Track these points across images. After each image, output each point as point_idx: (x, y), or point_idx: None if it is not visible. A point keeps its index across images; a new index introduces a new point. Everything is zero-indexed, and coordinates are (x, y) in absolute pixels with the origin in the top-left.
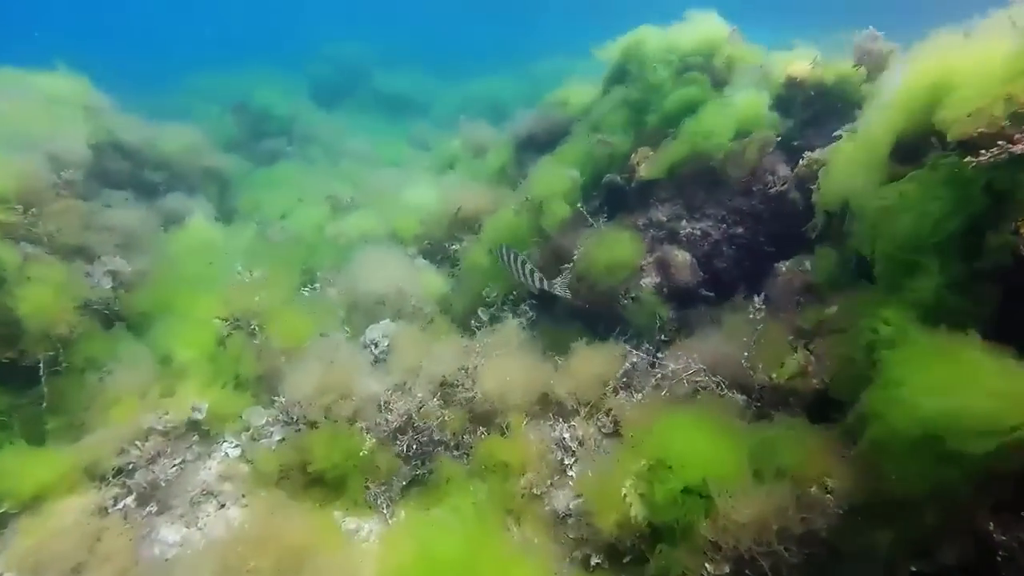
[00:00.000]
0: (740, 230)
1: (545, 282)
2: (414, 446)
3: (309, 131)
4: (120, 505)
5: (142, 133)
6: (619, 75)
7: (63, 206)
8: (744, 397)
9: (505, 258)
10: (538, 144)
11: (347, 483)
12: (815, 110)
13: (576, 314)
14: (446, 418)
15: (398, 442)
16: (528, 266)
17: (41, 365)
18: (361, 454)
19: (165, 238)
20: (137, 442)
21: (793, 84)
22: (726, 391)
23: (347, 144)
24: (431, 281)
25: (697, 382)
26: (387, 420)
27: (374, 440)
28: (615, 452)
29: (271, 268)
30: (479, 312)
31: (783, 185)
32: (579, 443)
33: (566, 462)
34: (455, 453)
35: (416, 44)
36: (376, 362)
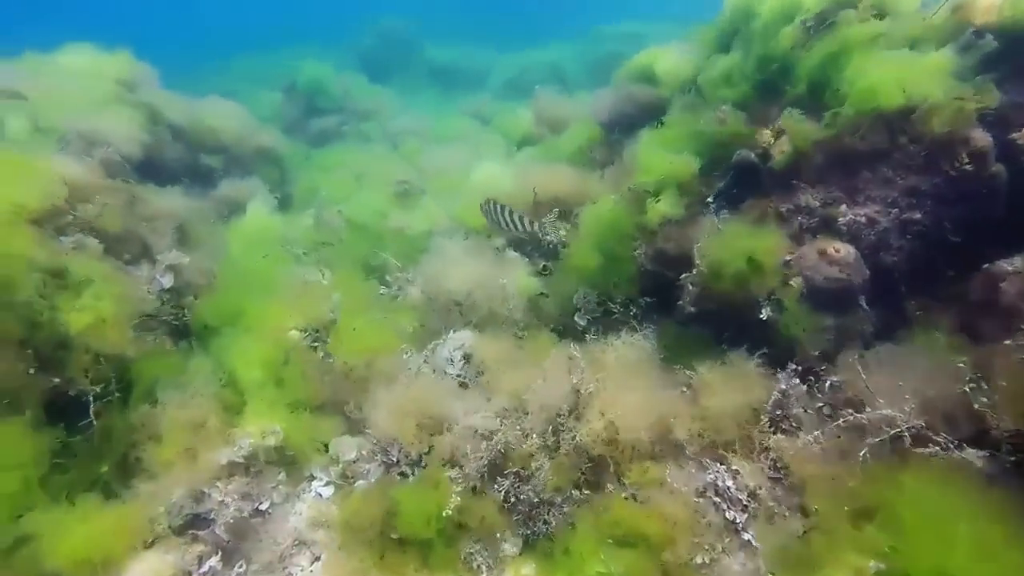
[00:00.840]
0: (917, 215)
1: (535, 224)
2: (521, 497)
3: (362, 107)
4: (205, 568)
5: (189, 111)
6: (726, 39)
7: (112, 196)
8: (980, 452)
9: (491, 213)
10: (627, 122)
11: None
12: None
13: (700, 317)
14: (560, 462)
15: (498, 488)
16: (515, 214)
17: (90, 397)
18: (447, 513)
19: (224, 230)
20: (217, 483)
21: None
22: (950, 445)
23: (402, 120)
24: (521, 278)
25: (895, 426)
26: (486, 463)
27: (469, 489)
28: (813, 532)
29: (339, 266)
30: (578, 317)
31: (981, 158)
32: (750, 494)
33: (736, 520)
34: (573, 508)
35: (465, 13)
36: (462, 381)
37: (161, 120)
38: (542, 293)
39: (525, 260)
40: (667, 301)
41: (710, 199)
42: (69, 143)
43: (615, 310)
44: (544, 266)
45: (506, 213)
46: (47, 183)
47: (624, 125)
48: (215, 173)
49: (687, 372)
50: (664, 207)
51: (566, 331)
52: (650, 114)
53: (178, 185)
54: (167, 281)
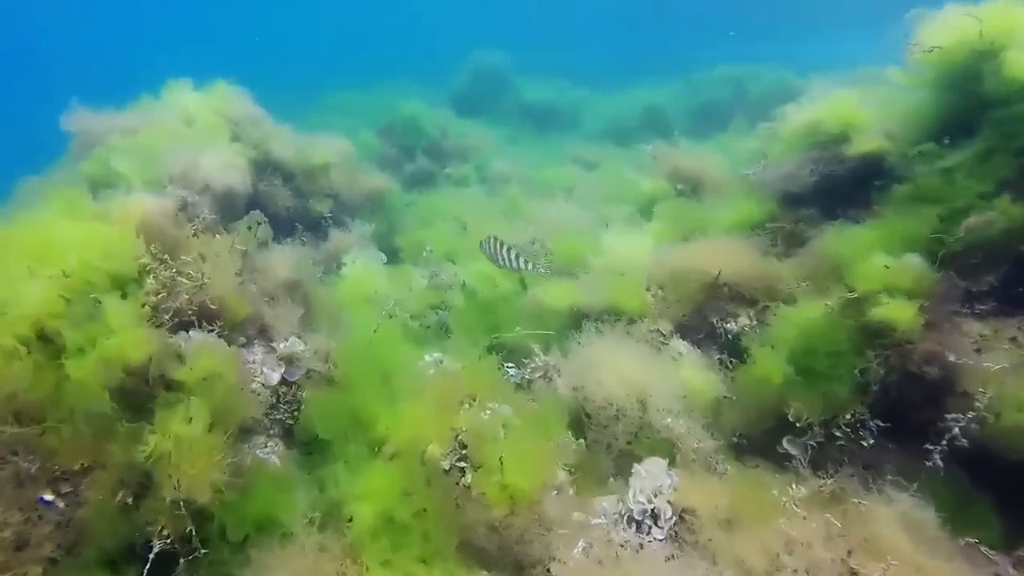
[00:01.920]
0: None
1: (530, 264)
2: None
3: (459, 148)
4: None
5: (300, 150)
6: (957, 82)
7: (223, 268)
8: None
9: (490, 248)
10: (816, 197)
11: None
12: None
13: (972, 463)
14: None
15: None
16: (512, 251)
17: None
18: None
19: (335, 292)
20: None
21: None
22: None
23: (501, 164)
24: (695, 380)
25: None
26: None
27: None
28: None
29: (459, 342)
30: (788, 443)
31: None
32: None
33: None
34: None
35: (556, 52)
36: (669, 548)
37: (271, 161)
38: (725, 396)
39: (695, 351)
40: (908, 428)
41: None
42: (175, 189)
43: (839, 436)
44: (723, 361)
45: (504, 250)
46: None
47: (811, 199)
48: (324, 221)
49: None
50: (902, 314)
51: (751, 450)
52: (846, 187)
53: (289, 237)
54: (287, 376)
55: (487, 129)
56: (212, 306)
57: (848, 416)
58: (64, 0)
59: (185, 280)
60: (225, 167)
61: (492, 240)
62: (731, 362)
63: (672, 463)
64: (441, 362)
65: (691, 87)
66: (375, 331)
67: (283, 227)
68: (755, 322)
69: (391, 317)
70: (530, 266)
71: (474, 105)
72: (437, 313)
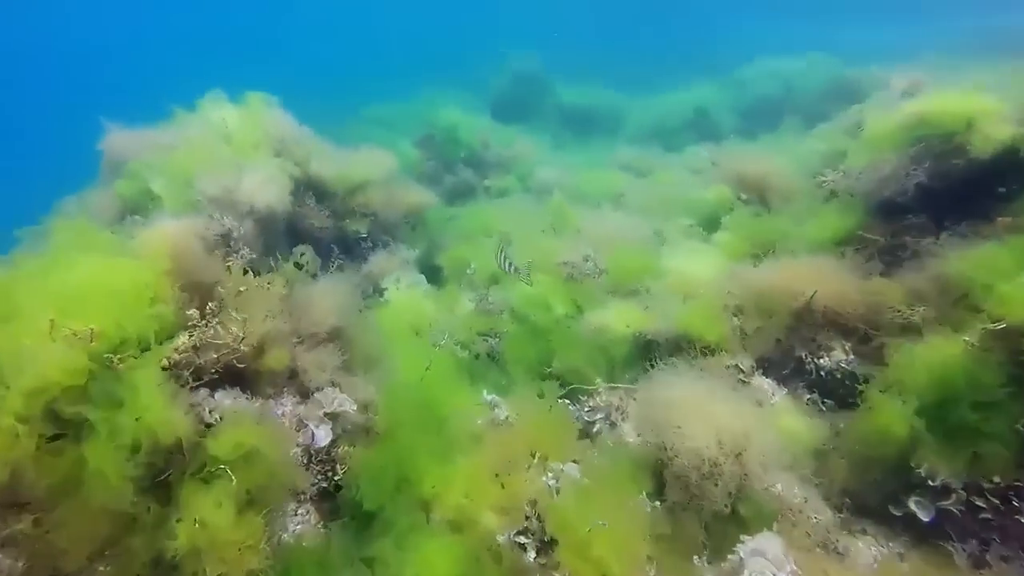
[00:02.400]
0: None
1: (515, 269)
2: None
3: (501, 157)
4: None
5: (338, 166)
6: None
7: (254, 304)
8: None
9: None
10: (911, 202)
11: None
12: None
13: None
14: None
15: None
16: (507, 258)
17: None
18: None
19: (376, 326)
20: None
21: None
22: None
23: (546, 172)
24: (796, 428)
25: None
26: None
27: None
28: None
29: (513, 378)
30: (916, 505)
31: None
32: None
33: None
34: None
35: (596, 53)
36: None
37: (311, 180)
38: (829, 447)
39: (781, 390)
40: None
41: None
42: (215, 213)
43: (984, 505)
44: (815, 402)
45: (502, 255)
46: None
47: (914, 207)
48: (362, 242)
49: None
50: None
51: (857, 510)
52: (962, 192)
53: (328, 260)
54: (324, 436)
55: (528, 136)
56: (241, 364)
57: (999, 480)
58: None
59: (226, 336)
60: (266, 184)
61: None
62: (824, 402)
63: (776, 531)
64: (496, 407)
65: (736, 85)
66: (426, 369)
67: (321, 249)
68: (852, 356)
69: (437, 348)
70: (513, 269)
71: (513, 111)
72: (487, 340)
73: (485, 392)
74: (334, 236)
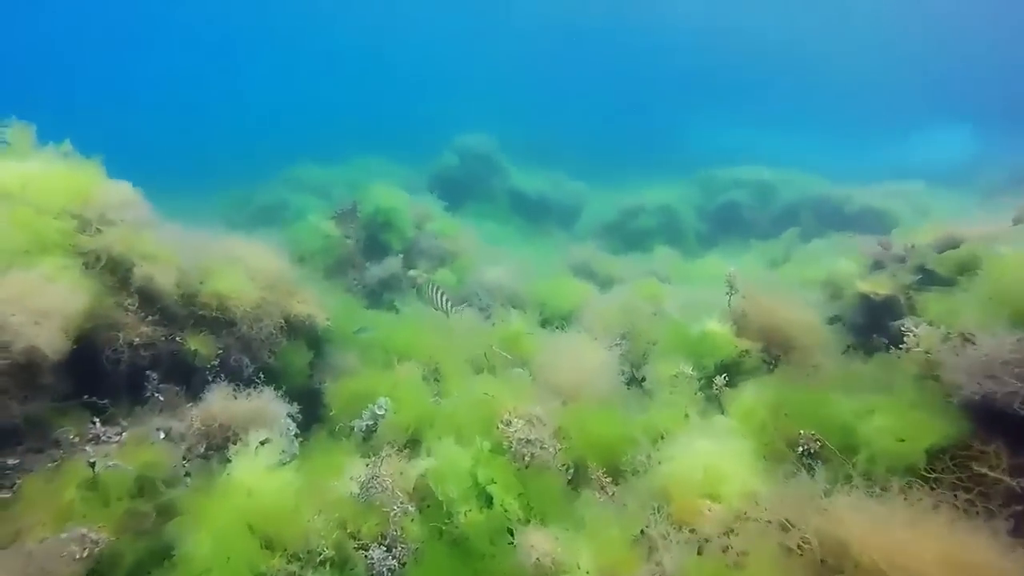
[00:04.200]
0: None
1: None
2: None
3: (438, 248)
4: None
5: (192, 260)
6: None
7: None
8: None
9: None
10: None
11: None
12: None
13: None
14: None
15: None
16: (444, 296)
17: None
18: None
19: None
20: None
21: None
22: None
23: (492, 273)
24: None
25: None
26: None
27: None
28: None
29: None
30: None
31: None
32: None
33: None
34: None
35: (553, 141)
36: None
37: (133, 284)
38: None
39: None
40: None
41: None
42: None
43: None
44: None
45: (438, 293)
46: None
47: None
48: (208, 370)
49: None
50: None
51: None
52: None
53: (140, 396)
54: None
55: (474, 220)
56: None
57: None
58: None
59: None
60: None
61: (431, 286)
62: None
63: None
64: None
65: (701, 187)
66: None
67: (129, 381)
68: None
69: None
70: (452, 307)
71: (459, 191)
72: (369, 558)
73: None
74: (162, 357)
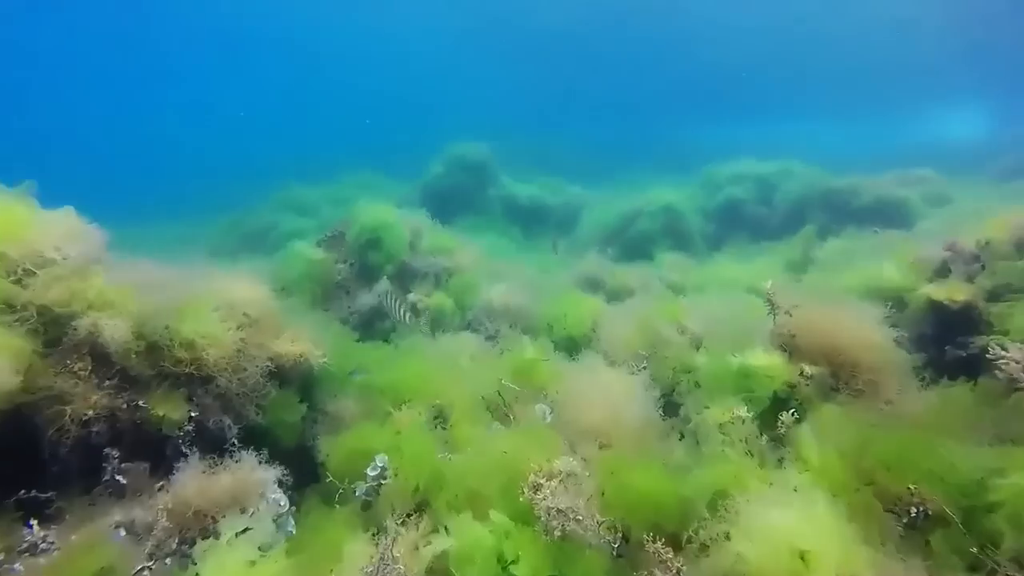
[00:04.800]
0: None
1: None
2: None
3: (435, 265)
4: None
5: (161, 307)
6: None
7: None
8: None
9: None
10: None
11: None
12: None
13: None
14: None
15: None
16: (403, 306)
17: None
18: None
19: None
20: None
21: None
22: None
23: (495, 291)
24: None
25: None
26: None
27: None
28: None
29: None
30: None
31: None
32: None
33: None
34: None
35: (548, 146)
36: None
37: (84, 338)
38: None
39: None
40: None
41: None
42: None
43: None
44: None
45: (396, 303)
46: None
47: None
48: (173, 442)
49: None
50: None
51: None
52: None
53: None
54: None
55: (469, 233)
56: None
57: None
58: None
59: None
60: None
61: (387, 294)
62: None
63: None
64: None
65: (703, 185)
66: None
67: (82, 465)
68: None
69: None
70: (411, 319)
71: (452, 203)
72: None
73: None
74: (122, 430)
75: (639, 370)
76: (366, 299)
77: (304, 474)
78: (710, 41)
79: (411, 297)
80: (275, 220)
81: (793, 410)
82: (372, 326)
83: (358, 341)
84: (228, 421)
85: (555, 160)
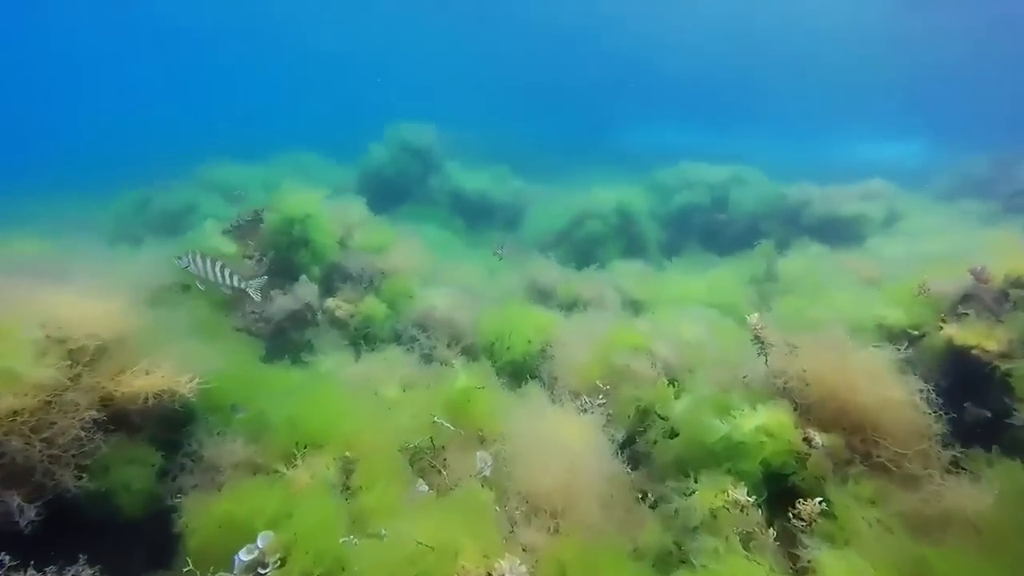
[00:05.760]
0: None
1: (241, 281)
2: None
3: (371, 266)
4: None
5: None
6: None
7: None
8: None
9: (197, 265)
10: None
11: None
12: None
13: None
14: None
15: None
16: (226, 269)
17: None
18: None
19: None
20: None
21: None
22: None
23: (437, 298)
24: None
25: None
26: None
27: None
28: None
29: None
30: None
31: None
32: None
33: None
34: None
35: (496, 138)
36: None
37: None
38: None
39: None
40: None
41: None
42: None
43: None
44: None
45: (217, 267)
46: None
47: None
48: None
49: None
50: None
51: None
52: None
53: None
54: None
55: (408, 223)
56: None
57: None
58: None
59: None
60: None
61: (197, 258)
62: None
63: None
64: None
65: (656, 189)
66: None
67: None
68: None
69: None
70: (242, 284)
71: (392, 190)
72: None
73: None
74: None
75: (596, 407)
76: (281, 302)
77: (155, 555)
78: (663, 50)
79: (328, 303)
80: (194, 201)
81: (821, 499)
82: (285, 336)
83: (263, 359)
84: (23, 505)
85: (503, 150)
